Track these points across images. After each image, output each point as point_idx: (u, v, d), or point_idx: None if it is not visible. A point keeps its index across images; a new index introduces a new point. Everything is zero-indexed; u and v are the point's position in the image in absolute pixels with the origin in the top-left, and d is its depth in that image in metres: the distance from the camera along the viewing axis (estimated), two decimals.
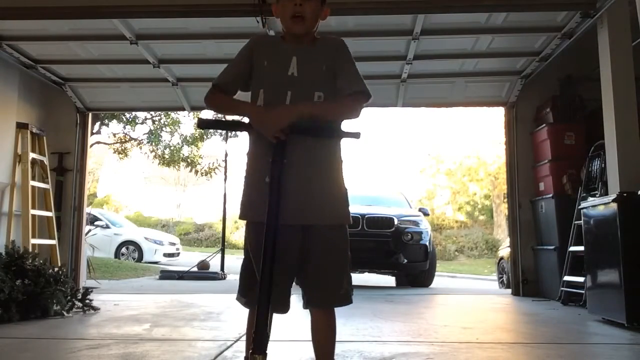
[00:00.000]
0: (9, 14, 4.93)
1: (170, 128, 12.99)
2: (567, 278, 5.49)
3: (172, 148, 13.18)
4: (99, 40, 5.68)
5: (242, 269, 1.94)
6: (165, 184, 29.77)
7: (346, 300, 1.89)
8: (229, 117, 2.18)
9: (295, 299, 1.89)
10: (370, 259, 7.84)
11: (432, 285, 8.24)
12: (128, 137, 13.25)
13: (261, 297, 1.67)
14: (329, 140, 1.88)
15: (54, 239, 6.44)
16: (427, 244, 7.85)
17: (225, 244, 10.60)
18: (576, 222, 5.36)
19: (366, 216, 7.74)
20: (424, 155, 27.36)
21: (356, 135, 1.82)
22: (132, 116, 12.32)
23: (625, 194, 4.11)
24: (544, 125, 6.24)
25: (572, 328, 4.21)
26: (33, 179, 6.25)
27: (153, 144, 13.06)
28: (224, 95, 1.94)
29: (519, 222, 6.59)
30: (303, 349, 2.95)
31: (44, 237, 6.37)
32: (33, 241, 5.99)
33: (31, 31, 5.58)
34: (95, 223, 13.83)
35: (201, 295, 6.35)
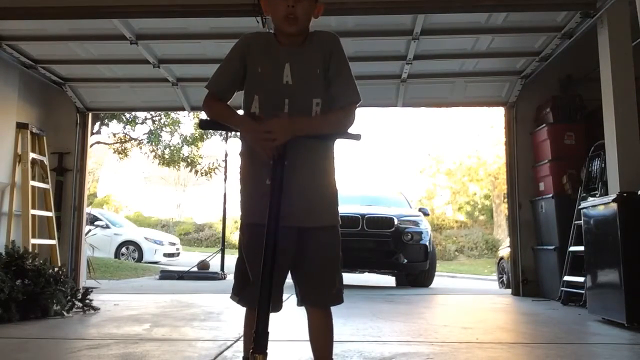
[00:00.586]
0: (9, 14, 4.93)
1: (170, 128, 12.99)
2: (567, 278, 5.49)
3: (172, 148, 13.18)
4: (99, 40, 5.68)
5: (236, 268, 1.97)
6: (165, 184, 29.78)
7: (339, 300, 1.91)
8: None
9: (292, 298, 1.89)
10: (370, 259, 7.85)
11: (432, 285, 8.25)
12: (128, 137, 13.25)
13: (261, 297, 1.68)
14: (326, 142, 1.89)
15: (54, 239, 6.44)
16: (427, 244, 7.85)
17: (225, 244, 10.59)
18: (576, 222, 5.36)
19: (366, 216, 7.74)
20: (424, 155, 27.37)
21: (357, 137, 1.83)
22: (132, 116, 12.31)
23: (625, 194, 4.11)
24: (544, 125, 6.24)
25: (572, 328, 4.21)
26: (33, 179, 6.25)
27: (153, 144, 13.06)
28: (219, 102, 1.93)
29: (519, 222, 6.59)
30: (303, 349, 2.95)
31: (44, 237, 6.37)
32: (33, 241, 5.99)
33: (31, 31, 5.58)
34: (95, 223, 13.84)
35: (201, 295, 6.35)
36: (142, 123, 12.78)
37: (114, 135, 13.31)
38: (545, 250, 6.15)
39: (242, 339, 3.27)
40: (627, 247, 3.98)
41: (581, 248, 4.89)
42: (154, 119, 12.77)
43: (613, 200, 4.14)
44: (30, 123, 6.32)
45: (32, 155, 6.24)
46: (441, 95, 6.92)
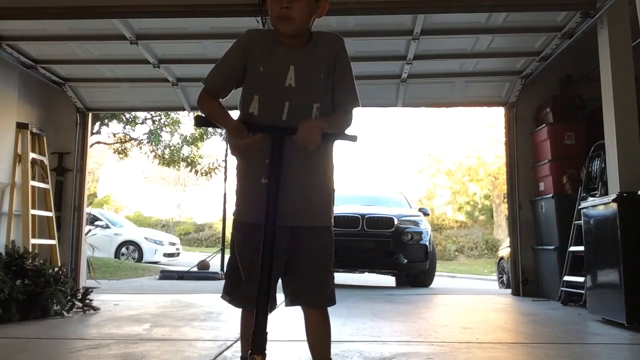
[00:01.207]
0: (9, 14, 4.93)
1: (170, 128, 12.99)
2: (567, 278, 5.49)
3: (172, 148, 13.18)
4: (99, 40, 5.68)
5: (228, 267, 1.97)
6: (165, 184, 29.78)
7: (332, 301, 1.92)
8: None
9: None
10: (370, 259, 7.85)
11: (432, 285, 8.24)
12: (128, 137, 13.24)
13: (260, 297, 1.68)
14: (325, 142, 1.87)
15: (54, 239, 6.44)
16: (427, 244, 7.85)
17: (225, 244, 10.60)
18: (576, 222, 5.36)
19: (366, 216, 7.74)
20: (424, 155, 27.38)
21: (353, 138, 1.83)
22: (132, 116, 12.30)
23: (625, 194, 4.11)
24: (544, 125, 6.24)
25: (572, 328, 4.21)
26: (33, 179, 6.25)
27: (153, 144, 13.06)
28: (213, 99, 1.91)
29: (519, 222, 6.59)
30: (303, 349, 2.95)
31: (44, 237, 6.37)
32: (33, 241, 5.99)
33: (31, 31, 5.58)
34: (95, 223, 13.83)
35: (201, 295, 6.35)
36: (142, 123, 12.78)
37: (114, 135, 13.30)
38: (545, 250, 6.15)
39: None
40: (627, 247, 3.98)
41: (581, 248, 4.89)
42: (154, 119, 12.77)
43: (613, 200, 4.13)
44: (30, 123, 6.32)
45: (32, 155, 6.24)
46: (441, 95, 6.92)
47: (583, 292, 5.08)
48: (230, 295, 1.92)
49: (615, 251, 4.07)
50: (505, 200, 8.83)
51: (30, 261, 4.52)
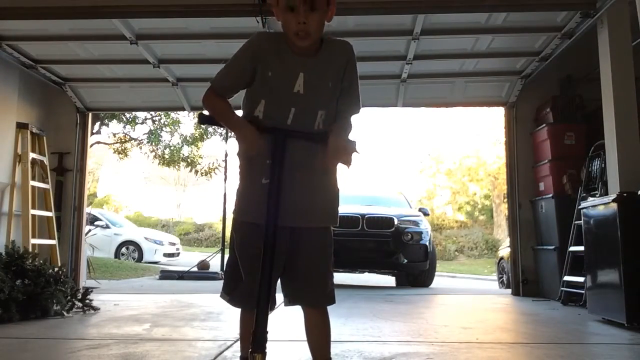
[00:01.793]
0: (9, 14, 4.93)
1: (170, 128, 13.00)
2: (567, 278, 5.49)
3: (172, 148, 13.19)
4: (99, 40, 5.67)
5: (228, 267, 1.97)
6: (165, 184, 29.79)
7: (332, 300, 1.93)
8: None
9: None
10: (370, 259, 7.85)
11: (432, 285, 8.24)
12: (128, 137, 13.26)
13: (261, 297, 1.68)
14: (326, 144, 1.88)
15: (54, 239, 6.44)
16: (427, 244, 7.85)
17: (225, 243, 10.60)
18: (576, 222, 5.36)
19: (366, 216, 7.74)
20: (424, 155, 27.39)
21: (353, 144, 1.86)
22: (132, 116, 12.32)
23: (625, 194, 4.11)
24: (544, 125, 6.24)
25: (572, 328, 4.21)
26: (33, 179, 6.25)
27: (153, 144, 13.06)
28: (221, 99, 1.90)
29: (519, 222, 6.59)
30: (303, 349, 2.95)
31: (44, 237, 6.37)
32: (33, 241, 5.99)
33: (31, 31, 5.58)
34: (95, 223, 13.83)
35: (201, 295, 6.35)
36: (142, 123, 12.79)
37: (114, 135, 13.32)
38: (545, 250, 6.15)
39: None
40: (627, 247, 3.98)
41: (581, 248, 4.89)
42: (154, 119, 12.78)
43: (613, 200, 4.13)
44: (30, 123, 6.32)
45: (32, 155, 6.24)
46: (441, 95, 6.92)
47: (583, 292, 5.08)
48: (230, 294, 1.93)
49: (615, 251, 4.07)
50: (505, 200, 8.83)
51: (30, 261, 4.53)
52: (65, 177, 6.92)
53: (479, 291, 8.96)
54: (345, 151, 1.78)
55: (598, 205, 4.46)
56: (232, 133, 1.82)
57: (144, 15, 5.04)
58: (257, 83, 1.88)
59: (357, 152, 1.80)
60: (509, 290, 6.90)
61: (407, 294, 6.88)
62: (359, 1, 4.82)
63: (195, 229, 26.73)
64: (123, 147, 13.29)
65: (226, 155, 11.31)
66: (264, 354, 1.66)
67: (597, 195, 5.00)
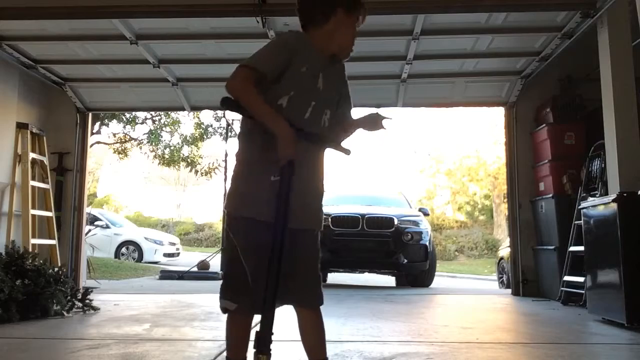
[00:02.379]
0: (9, 14, 4.93)
1: (170, 128, 13.00)
2: (567, 278, 5.49)
3: (172, 148, 13.18)
4: (99, 40, 5.68)
5: (230, 269, 1.90)
6: (165, 184, 29.78)
7: (322, 300, 1.97)
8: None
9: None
10: (370, 259, 7.85)
11: (432, 285, 8.24)
12: (128, 137, 13.25)
13: (268, 297, 1.68)
14: (323, 148, 1.99)
15: (54, 239, 6.44)
16: (427, 244, 7.85)
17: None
18: (576, 222, 5.36)
19: (366, 216, 7.74)
20: (424, 155, 27.38)
21: (347, 151, 1.95)
22: (132, 116, 12.31)
23: (625, 194, 4.11)
24: (544, 125, 6.24)
25: (572, 328, 4.21)
26: (33, 179, 6.25)
27: (153, 144, 13.06)
28: (255, 88, 1.82)
29: (519, 222, 6.59)
30: (302, 349, 2.95)
31: (44, 237, 6.37)
32: (33, 241, 5.99)
33: (31, 31, 5.58)
34: (95, 223, 13.82)
35: (201, 295, 6.35)
36: (142, 123, 12.79)
37: (114, 135, 13.32)
38: (545, 250, 6.15)
39: None
40: (627, 247, 3.98)
41: (581, 248, 4.89)
42: (154, 119, 12.78)
43: (613, 200, 4.14)
44: (30, 123, 6.32)
45: (32, 155, 6.24)
46: (441, 95, 6.93)
47: (583, 292, 5.08)
48: (238, 302, 1.83)
49: (615, 251, 4.07)
50: (505, 200, 8.83)
51: (30, 261, 4.53)
52: (65, 177, 6.93)
53: (479, 291, 8.96)
54: (378, 118, 2.05)
55: (598, 205, 4.46)
56: (269, 127, 1.80)
57: (144, 15, 5.04)
58: (290, 76, 1.90)
59: (388, 118, 2.06)
60: (509, 290, 6.90)
61: (407, 294, 6.88)
62: None
63: (195, 229, 26.73)
64: (123, 147, 13.29)
65: (226, 155, 11.32)
66: (269, 355, 1.65)
67: (597, 195, 5.00)
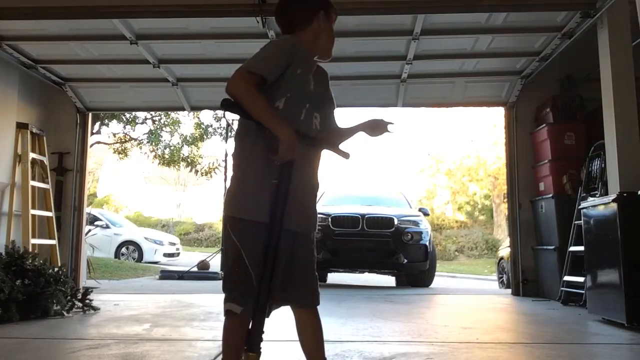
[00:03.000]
0: (9, 14, 4.93)
1: (170, 128, 12.98)
2: (567, 278, 5.49)
3: (172, 148, 13.17)
4: (99, 40, 5.67)
5: (235, 273, 1.86)
6: (165, 184, 29.77)
7: (319, 300, 1.99)
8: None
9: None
10: (370, 259, 7.85)
11: (432, 285, 8.24)
12: (128, 137, 13.24)
13: (261, 297, 1.68)
14: (320, 153, 2.03)
15: (54, 239, 6.44)
16: (427, 244, 7.85)
17: None
18: (576, 222, 5.36)
19: (366, 216, 7.74)
20: (424, 155, 27.38)
21: (346, 155, 2.00)
22: (132, 116, 12.31)
23: (625, 194, 4.11)
24: (544, 125, 6.24)
25: (572, 328, 4.21)
26: (33, 179, 6.25)
27: (153, 144, 13.06)
28: (257, 90, 1.82)
29: (519, 222, 6.59)
30: (300, 349, 2.95)
31: (44, 237, 6.37)
32: (33, 241, 5.99)
33: (31, 31, 5.58)
34: (95, 223, 13.82)
35: (201, 295, 6.35)
36: (142, 123, 12.77)
37: (114, 135, 13.30)
38: (545, 250, 6.15)
39: None
40: (627, 247, 3.98)
41: (581, 248, 4.89)
42: (154, 119, 12.77)
43: (613, 200, 4.14)
44: (30, 123, 6.32)
45: (32, 155, 6.23)
46: (441, 95, 6.92)
47: (583, 292, 5.08)
48: (243, 303, 1.80)
49: (615, 251, 4.07)
50: (505, 200, 8.83)
51: (30, 261, 4.53)
52: (65, 177, 6.93)
53: (479, 291, 8.96)
54: (382, 123, 2.15)
55: (598, 205, 4.46)
56: (271, 130, 1.79)
57: (144, 15, 5.04)
58: (287, 79, 1.92)
59: (392, 123, 2.14)
60: (509, 290, 6.90)
61: (407, 294, 6.88)
62: (359, 1, 4.82)
63: (195, 229, 26.71)
64: (123, 147, 13.28)
65: (226, 155, 11.32)
66: (259, 353, 1.66)
67: (597, 195, 5.00)
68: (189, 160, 13.33)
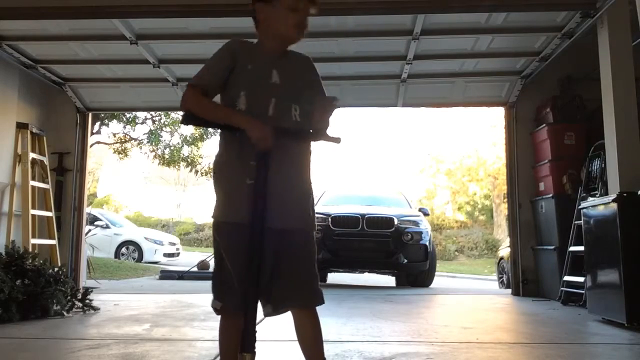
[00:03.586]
0: (9, 14, 4.93)
1: (170, 128, 12.99)
2: (567, 278, 5.49)
3: (172, 148, 13.18)
4: (99, 40, 5.67)
5: (216, 273, 1.93)
6: (165, 184, 29.77)
7: (321, 299, 1.92)
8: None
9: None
10: (370, 259, 7.85)
11: (432, 285, 8.24)
12: (128, 137, 13.25)
13: (250, 298, 1.67)
14: (305, 144, 1.93)
15: (54, 239, 6.44)
16: (427, 244, 7.85)
17: None
18: (576, 222, 5.36)
19: (366, 216, 7.74)
20: (424, 155, 27.39)
21: (337, 140, 1.85)
22: (132, 116, 12.31)
23: (625, 194, 4.11)
24: (544, 125, 6.24)
25: (572, 328, 4.21)
26: (33, 179, 6.25)
27: (153, 144, 13.06)
28: (207, 98, 1.90)
29: (519, 222, 6.59)
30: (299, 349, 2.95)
31: (44, 237, 6.37)
32: (33, 241, 5.99)
33: (31, 31, 5.58)
34: (95, 223, 13.82)
35: (201, 295, 6.34)
36: (142, 123, 12.78)
37: (114, 135, 13.31)
38: (545, 250, 6.15)
39: None
40: (627, 247, 3.98)
41: (581, 248, 4.89)
42: (154, 119, 12.77)
43: (613, 200, 4.14)
44: (30, 123, 6.32)
45: (32, 155, 6.24)
46: (441, 95, 6.92)
47: (583, 292, 5.08)
48: (222, 300, 1.88)
49: (615, 251, 4.07)
50: (505, 200, 8.83)
51: (30, 261, 4.53)
52: (65, 177, 6.92)
53: (479, 291, 8.96)
54: (330, 105, 1.85)
55: (598, 205, 4.46)
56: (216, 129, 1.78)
57: (144, 15, 5.04)
58: (235, 77, 1.91)
59: (336, 105, 1.87)
60: (509, 290, 6.90)
61: (407, 294, 6.88)
62: (359, 1, 4.82)
63: (195, 229, 26.71)
64: (123, 147, 13.28)
65: None
66: (253, 354, 1.66)
67: (597, 195, 5.00)
68: (189, 160, 13.33)
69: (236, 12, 4.84)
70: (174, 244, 15.60)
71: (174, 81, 6.54)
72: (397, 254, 7.62)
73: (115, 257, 13.86)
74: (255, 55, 1.95)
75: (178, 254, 15.43)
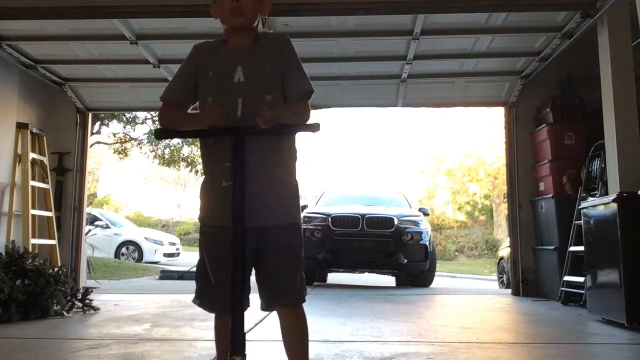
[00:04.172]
0: (9, 14, 4.93)
1: None
2: (567, 278, 5.49)
3: (172, 148, 13.19)
4: (99, 40, 5.67)
5: (197, 271, 2.00)
6: (165, 184, 29.76)
7: (300, 299, 1.88)
8: None
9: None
10: (370, 259, 7.85)
11: (432, 285, 8.24)
12: (128, 137, 13.25)
13: (234, 299, 1.67)
14: (283, 138, 1.89)
15: (54, 239, 6.44)
16: (427, 244, 7.85)
17: None
18: (576, 222, 5.36)
19: (366, 216, 7.74)
20: (424, 155, 27.39)
21: (314, 127, 1.74)
22: (132, 116, 12.31)
23: (625, 194, 4.11)
24: (544, 125, 6.24)
25: (572, 328, 4.22)
26: (33, 179, 6.25)
27: (153, 144, 13.06)
28: (176, 110, 1.95)
29: (519, 222, 6.59)
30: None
31: (44, 237, 6.37)
32: (33, 241, 5.99)
33: (31, 31, 5.58)
34: (95, 223, 13.82)
35: None
36: (142, 123, 12.78)
37: (114, 135, 13.31)
38: (545, 250, 6.15)
39: None
40: (627, 247, 3.98)
41: (581, 248, 4.89)
42: (154, 119, 12.76)
43: (613, 200, 4.13)
44: (30, 123, 6.32)
45: (32, 155, 6.23)
46: (441, 95, 6.92)
47: (583, 292, 5.08)
48: (200, 298, 1.94)
49: (615, 251, 4.07)
50: (505, 200, 8.83)
51: (30, 261, 4.53)
52: (65, 177, 6.92)
53: (479, 291, 8.96)
54: (274, 100, 1.77)
55: (598, 205, 4.46)
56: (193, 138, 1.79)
57: (144, 15, 5.04)
58: (201, 86, 1.93)
59: (277, 100, 1.79)
60: (509, 290, 6.90)
61: (407, 294, 6.88)
62: (359, 1, 4.82)
63: (195, 229, 26.65)
64: (123, 147, 13.29)
65: None
66: (243, 356, 1.65)
67: (597, 195, 5.00)
68: (189, 160, 13.34)
69: None
70: (174, 244, 15.60)
71: None
72: (397, 254, 7.62)
73: (115, 257, 13.86)
74: (219, 55, 1.93)
75: (178, 254, 15.43)
